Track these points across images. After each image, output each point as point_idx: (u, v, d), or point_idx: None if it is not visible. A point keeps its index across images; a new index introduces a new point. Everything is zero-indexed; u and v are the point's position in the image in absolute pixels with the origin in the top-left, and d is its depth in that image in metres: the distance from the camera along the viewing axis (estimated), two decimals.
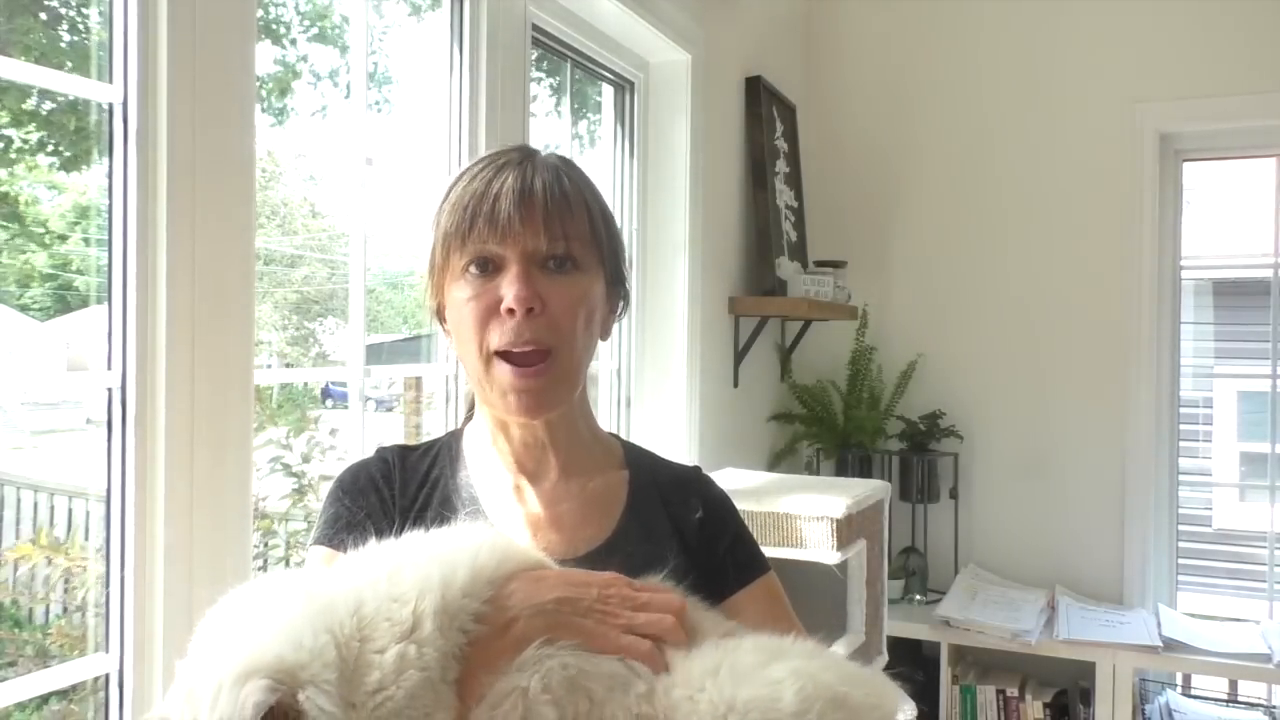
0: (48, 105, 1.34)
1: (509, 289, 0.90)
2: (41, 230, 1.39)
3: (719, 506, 1.05)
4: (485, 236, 0.91)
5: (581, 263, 0.94)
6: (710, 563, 0.99)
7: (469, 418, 1.07)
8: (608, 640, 0.78)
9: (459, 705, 0.75)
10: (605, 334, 1.01)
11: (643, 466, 1.05)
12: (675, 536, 0.99)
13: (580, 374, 0.97)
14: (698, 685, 0.75)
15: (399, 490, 1.00)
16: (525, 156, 0.96)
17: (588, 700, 0.75)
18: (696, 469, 1.10)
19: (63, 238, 1.41)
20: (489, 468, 1.01)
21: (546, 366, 0.91)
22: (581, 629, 0.78)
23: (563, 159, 0.99)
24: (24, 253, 1.39)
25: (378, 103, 1.82)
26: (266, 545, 1.87)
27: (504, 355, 0.91)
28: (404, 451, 1.03)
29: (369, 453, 1.05)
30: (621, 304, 1.03)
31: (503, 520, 0.97)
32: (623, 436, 1.11)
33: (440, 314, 0.99)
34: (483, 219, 0.91)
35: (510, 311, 0.90)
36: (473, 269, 0.92)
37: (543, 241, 0.91)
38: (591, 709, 0.75)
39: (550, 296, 0.91)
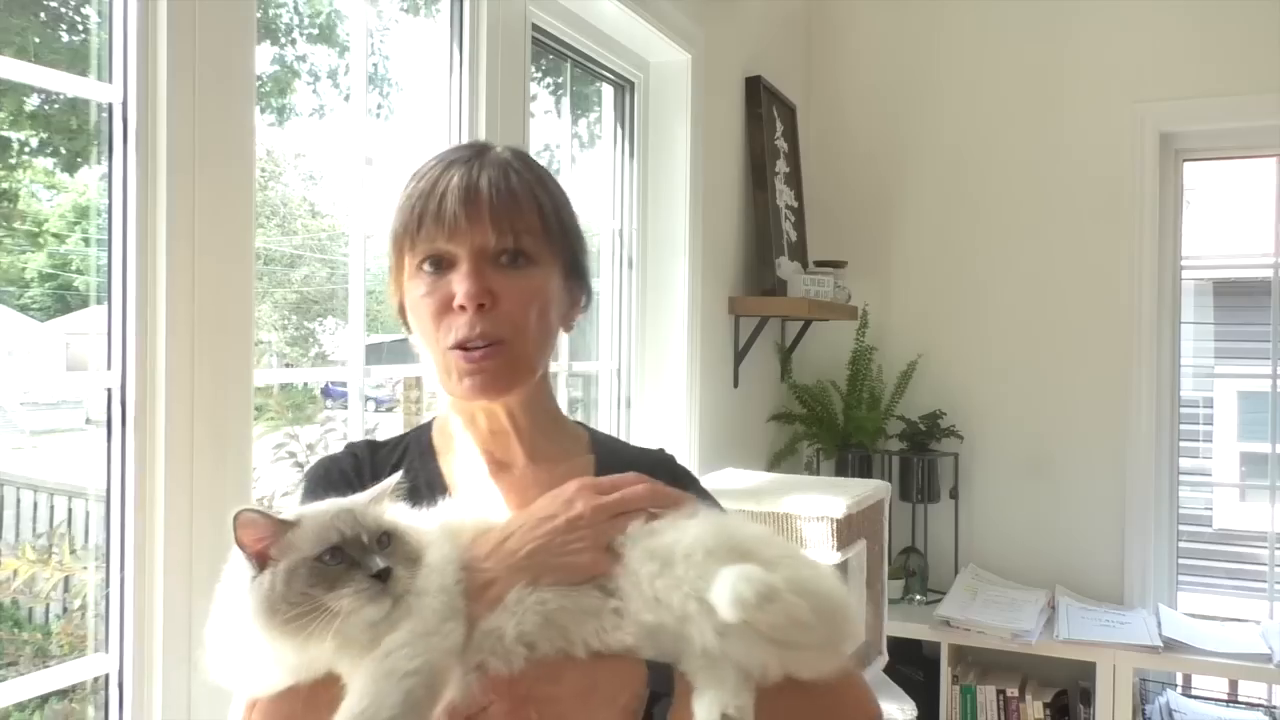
0: (48, 105, 1.34)
1: (460, 285, 0.92)
2: (41, 230, 1.39)
3: (687, 486, 1.06)
4: (434, 235, 0.92)
5: (534, 256, 0.95)
6: None
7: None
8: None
9: None
10: (567, 327, 1.04)
11: (608, 451, 1.07)
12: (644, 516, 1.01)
13: (536, 361, 0.98)
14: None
15: (369, 483, 0.99)
16: (475, 154, 0.97)
17: (562, 636, 0.78)
18: (661, 450, 1.12)
19: (63, 238, 1.41)
20: (458, 458, 1.02)
21: (497, 351, 0.93)
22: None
23: (516, 153, 0.99)
24: (24, 253, 1.39)
25: (379, 107, 1.81)
26: None
27: (458, 348, 0.93)
28: (373, 446, 1.05)
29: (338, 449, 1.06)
30: (585, 299, 1.05)
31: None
32: (589, 425, 1.13)
33: (403, 311, 1.01)
34: (430, 218, 0.92)
35: (462, 308, 0.92)
36: (426, 267, 0.94)
37: (490, 237, 0.92)
38: (565, 643, 0.78)
39: (502, 291, 0.93)
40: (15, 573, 1.38)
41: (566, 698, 0.77)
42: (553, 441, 1.03)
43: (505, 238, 0.93)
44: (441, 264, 0.94)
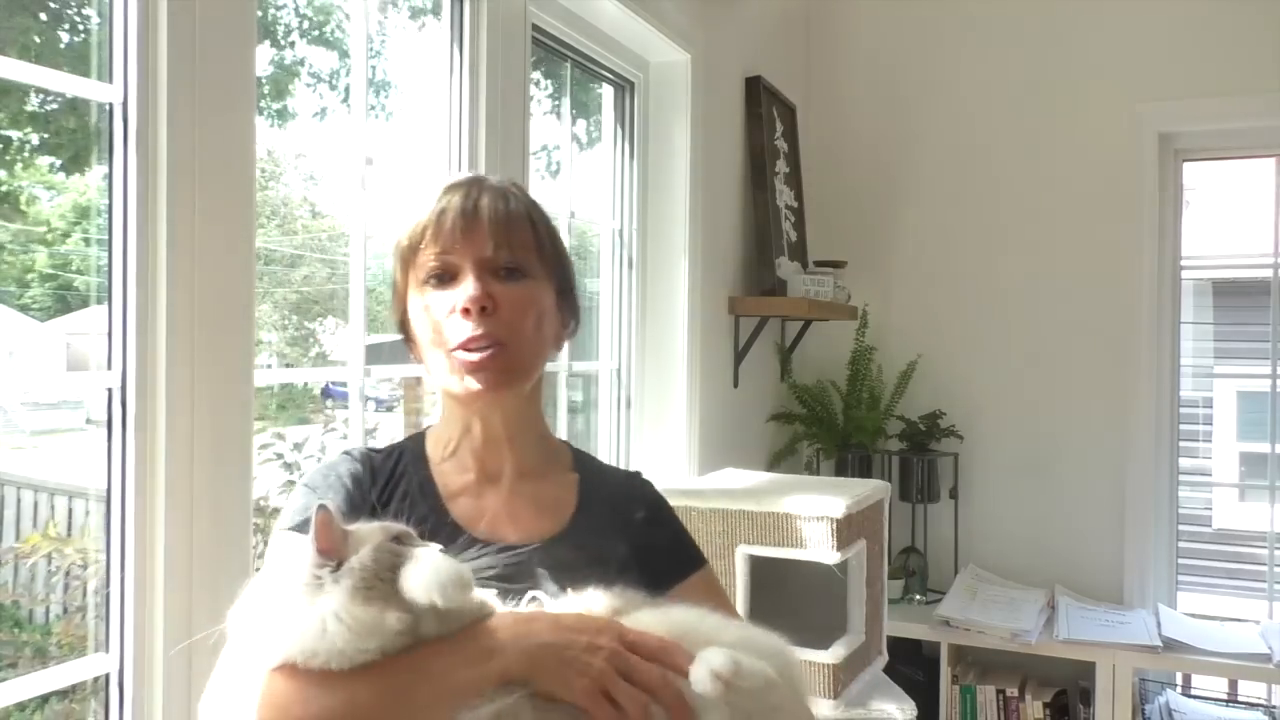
0: (48, 105, 1.34)
1: (463, 291, 1.00)
2: (42, 230, 1.39)
3: (659, 508, 1.14)
4: (436, 249, 1.01)
5: (529, 270, 1.03)
6: (652, 558, 1.05)
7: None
8: (583, 697, 0.77)
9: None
10: (557, 346, 1.11)
11: (589, 470, 1.14)
12: (621, 533, 1.06)
13: (532, 366, 1.05)
14: None
15: (368, 488, 1.04)
16: (474, 181, 1.06)
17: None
18: (638, 473, 1.20)
19: (63, 238, 1.41)
20: (451, 468, 1.07)
21: (498, 353, 1.00)
22: (556, 678, 0.77)
23: (513, 183, 1.08)
24: (24, 253, 1.39)
25: (377, 105, 1.81)
26: (266, 544, 1.87)
27: (461, 349, 1.00)
28: (370, 453, 1.09)
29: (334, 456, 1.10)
30: (574, 324, 1.13)
31: (463, 516, 1.03)
32: (571, 443, 1.19)
33: (405, 328, 1.08)
34: (432, 233, 1.01)
35: (466, 311, 0.99)
36: (431, 281, 1.02)
37: (489, 248, 1.00)
38: None
39: (502, 298, 1.00)
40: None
41: None
42: (539, 457, 1.10)
43: (502, 250, 1.01)
44: (445, 277, 1.01)
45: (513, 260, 1.01)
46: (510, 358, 1.01)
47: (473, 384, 1.00)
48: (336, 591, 0.77)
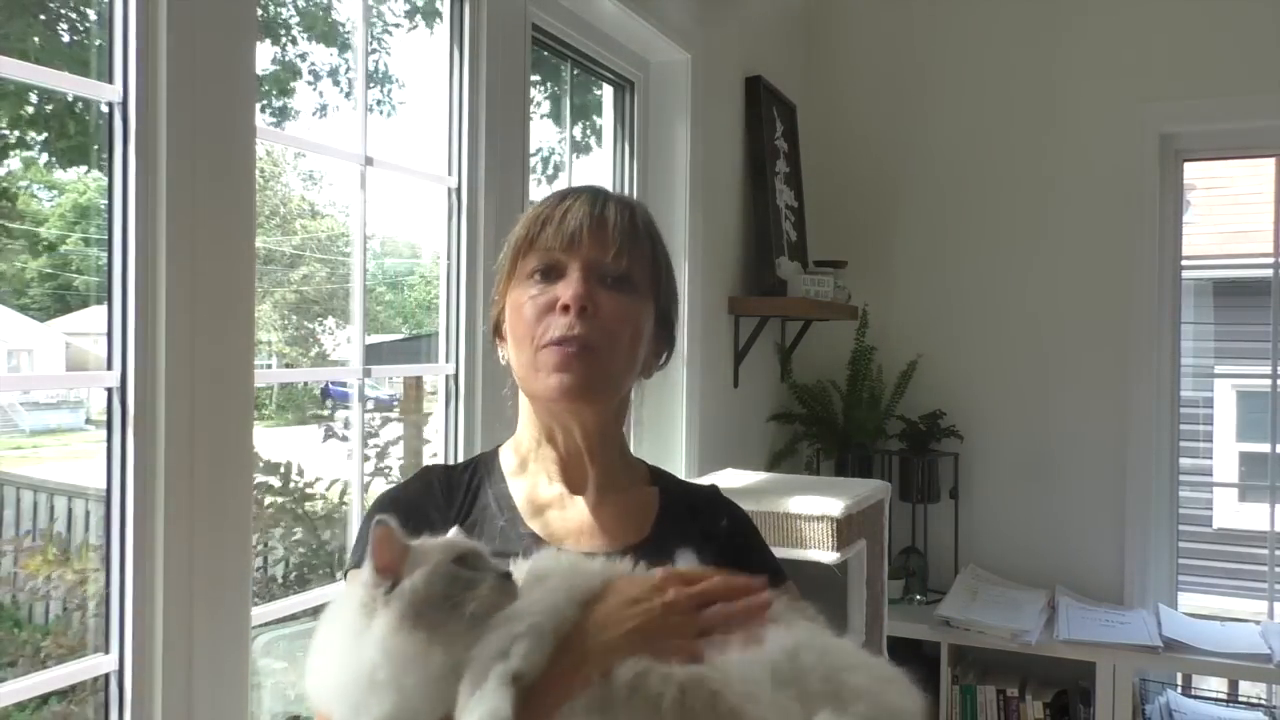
0: (48, 105, 1.34)
1: (567, 289, 0.99)
2: (41, 230, 1.39)
3: (742, 521, 1.15)
4: (552, 244, 1.00)
5: (638, 286, 1.03)
6: (737, 568, 1.03)
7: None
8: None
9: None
10: (647, 372, 1.09)
11: (669, 483, 1.15)
12: (706, 541, 1.05)
13: (620, 380, 1.04)
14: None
15: (444, 505, 1.05)
16: (599, 191, 1.05)
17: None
18: (714, 488, 1.19)
19: (62, 238, 1.41)
20: (533, 480, 1.07)
21: (589, 356, 0.98)
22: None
23: (636, 201, 1.08)
24: (24, 253, 1.39)
25: (379, 103, 1.82)
26: (266, 545, 1.87)
27: (553, 344, 0.99)
28: (447, 470, 1.10)
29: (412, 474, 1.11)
30: (666, 354, 1.12)
31: (550, 529, 1.03)
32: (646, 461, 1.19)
33: (498, 327, 1.08)
34: (553, 227, 1.01)
35: (565, 308, 0.98)
36: (536, 275, 1.01)
37: (607, 255, 1.00)
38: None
39: (603, 304, 0.99)
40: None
41: None
42: (619, 472, 1.09)
43: (620, 259, 1.00)
44: (551, 274, 1.00)
45: (626, 271, 1.01)
46: (599, 364, 0.99)
47: (555, 384, 0.98)
48: (383, 616, 0.73)
